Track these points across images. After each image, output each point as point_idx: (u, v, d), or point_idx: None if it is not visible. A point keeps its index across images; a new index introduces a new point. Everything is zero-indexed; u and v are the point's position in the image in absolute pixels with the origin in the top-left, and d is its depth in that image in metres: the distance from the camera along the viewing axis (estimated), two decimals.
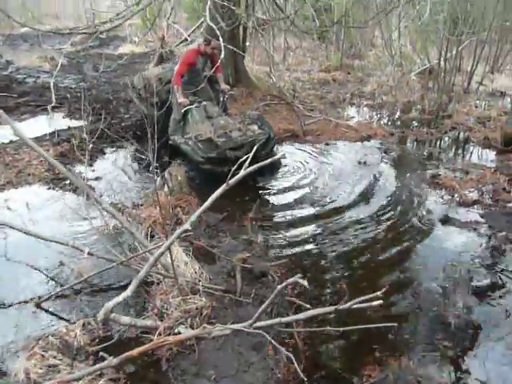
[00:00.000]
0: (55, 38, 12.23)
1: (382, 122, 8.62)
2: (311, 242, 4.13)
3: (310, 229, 4.39)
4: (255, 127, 5.22)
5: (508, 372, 2.75)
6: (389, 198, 5.06)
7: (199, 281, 3.26)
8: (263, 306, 2.12)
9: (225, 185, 2.97)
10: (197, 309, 2.97)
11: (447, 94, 9.71)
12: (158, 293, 3.20)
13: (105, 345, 2.79)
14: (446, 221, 4.51)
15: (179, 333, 2.63)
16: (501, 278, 3.64)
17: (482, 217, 4.62)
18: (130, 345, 2.76)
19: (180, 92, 5.24)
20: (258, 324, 2.14)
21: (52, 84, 7.72)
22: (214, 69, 5.46)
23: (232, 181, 3.00)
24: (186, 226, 2.87)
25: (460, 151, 7.14)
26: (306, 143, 6.92)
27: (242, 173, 3.04)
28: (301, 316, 2.12)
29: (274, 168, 5.62)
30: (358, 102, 10.17)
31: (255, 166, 3.12)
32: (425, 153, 6.96)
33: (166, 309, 3.03)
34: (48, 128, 6.80)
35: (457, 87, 10.42)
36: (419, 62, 12.27)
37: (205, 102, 5.43)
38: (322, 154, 6.49)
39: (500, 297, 3.43)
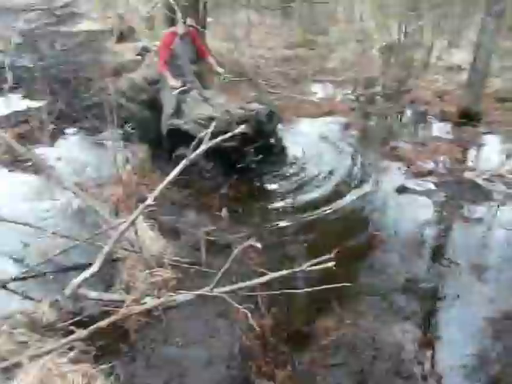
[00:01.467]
0: (8, 15, 11.76)
1: (344, 98, 8.76)
2: (274, 214, 4.27)
3: (274, 201, 4.52)
4: (256, 105, 4.98)
5: (458, 329, 2.99)
6: (349, 171, 5.23)
7: (165, 254, 3.34)
8: (222, 270, 2.23)
9: (185, 160, 3.04)
10: (163, 281, 3.06)
11: (407, 69, 9.94)
12: (125, 268, 3.27)
13: (74, 320, 2.86)
14: (402, 190, 4.72)
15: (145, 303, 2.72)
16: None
17: (436, 186, 4.86)
18: (98, 319, 2.83)
19: (169, 76, 4.90)
20: (221, 289, 2.25)
21: (7, 63, 7.49)
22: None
23: (192, 156, 3.07)
24: (149, 200, 2.94)
25: (418, 124, 7.37)
26: None
27: (203, 147, 3.11)
28: (260, 280, 2.23)
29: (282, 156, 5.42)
30: (321, 78, 10.28)
31: (216, 140, 3.19)
32: (385, 127, 7.17)
33: (133, 283, 3.11)
34: (5, 109, 6.62)
35: (417, 62, 10.66)
36: (380, 38, 12.45)
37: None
38: (285, 130, 6.58)
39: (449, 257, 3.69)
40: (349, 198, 4.60)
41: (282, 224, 4.12)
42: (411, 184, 4.90)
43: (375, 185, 4.91)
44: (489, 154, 5.96)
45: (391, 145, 6.06)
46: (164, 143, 5.16)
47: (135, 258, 3.31)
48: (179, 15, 4.83)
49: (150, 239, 3.51)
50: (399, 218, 4.24)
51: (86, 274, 2.80)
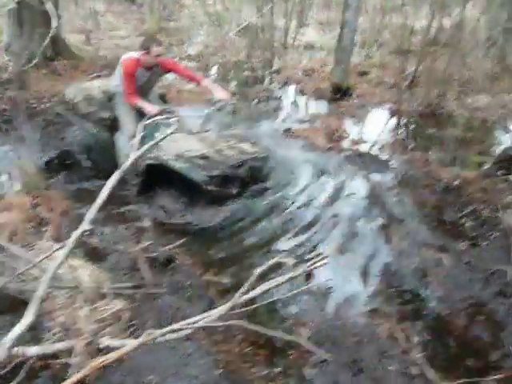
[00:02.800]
0: None
1: (218, 83, 8.62)
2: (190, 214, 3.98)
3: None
4: (247, 146, 4.25)
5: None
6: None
7: (99, 282, 2.88)
8: (241, 291, 1.92)
9: (118, 171, 2.63)
10: (112, 314, 2.63)
11: (269, 51, 10.16)
12: (55, 308, 2.74)
13: None
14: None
15: (108, 347, 2.29)
16: None
17: (341, 160, 5.04)
18: (41, 376, 2.35)
19: (145, 104, 3.98)
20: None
21: None
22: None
23: (124, 166, 2.67)
24: (85, 225, 2.47)
25: (299, 103, 7.60)
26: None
27: (134, 156, 2.72)
28: (263, 288, 1.99)
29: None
30: (187, 65, 9.98)
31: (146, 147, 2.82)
32: (268, 108, 7.24)
33: (73, 324, 2.61)
34: None
35: (277, 43, 10.95)
36: (234, 21, 12.52)
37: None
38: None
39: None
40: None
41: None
42: (317, 160, 5.01)
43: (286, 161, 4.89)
44: (370, 125, 6.42)
45: (284, 126, 6.14)
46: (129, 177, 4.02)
47: (65, 295, 2.80)
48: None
49: (75, 268, 3.00)
50: (322, 193, 4.32)
51: (21, 327, 2.26)
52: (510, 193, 3.98)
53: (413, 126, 6.46)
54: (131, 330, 2.60)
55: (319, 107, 7.24)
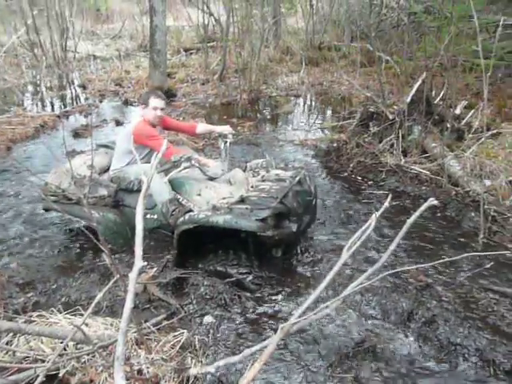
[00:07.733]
0: None
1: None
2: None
3: None
4: (278, 171, 3.65)
5: None
6: None
7: (132, 327, 2.62)
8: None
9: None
10: (179, 344, 2.48)
11: (59, 68, 9.50)
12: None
13: None
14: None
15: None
16: None
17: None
18: None
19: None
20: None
21: None
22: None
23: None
24: (139, 263, 2.24)
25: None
26: None
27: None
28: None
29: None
30: None
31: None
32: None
33: (140, 373, 2.36)
34: None
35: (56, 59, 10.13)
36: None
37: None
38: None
39: None
40: None
41: None
42: None
43: None
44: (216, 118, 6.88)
45: None
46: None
47: (102, 354, 2.47)
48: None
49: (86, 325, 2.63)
50: None
51: None
52: (378, 141, 5.00)
53: (244, 110, 7.18)
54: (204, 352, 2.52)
55: None
